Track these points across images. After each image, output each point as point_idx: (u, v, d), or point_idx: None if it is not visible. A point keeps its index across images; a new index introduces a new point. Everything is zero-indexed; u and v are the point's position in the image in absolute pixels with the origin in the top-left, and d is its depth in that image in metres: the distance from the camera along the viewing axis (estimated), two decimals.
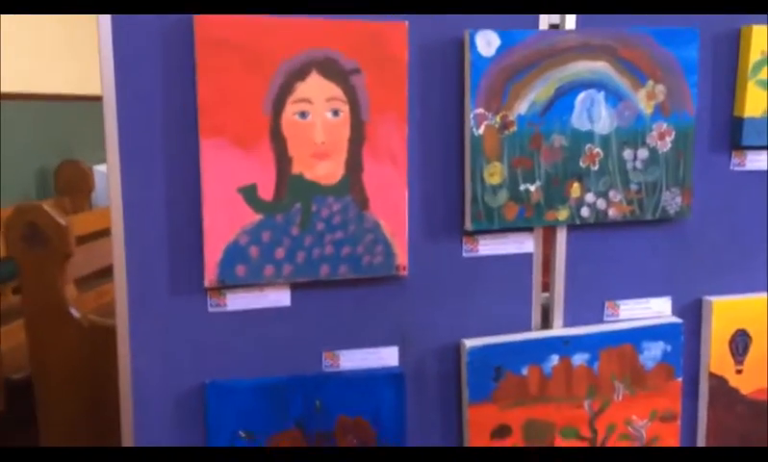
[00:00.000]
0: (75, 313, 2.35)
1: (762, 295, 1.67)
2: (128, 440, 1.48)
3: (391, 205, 1.49)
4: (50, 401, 2.33)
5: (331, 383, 1.53)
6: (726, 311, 1.64)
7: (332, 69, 1.42)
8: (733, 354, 1.65)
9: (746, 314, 1.65)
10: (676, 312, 1.66)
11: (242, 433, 1.50)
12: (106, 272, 2.96)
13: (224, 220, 1.43)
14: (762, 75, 1.59)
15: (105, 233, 2.60)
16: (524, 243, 1.58)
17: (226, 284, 1.45)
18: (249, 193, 1.43)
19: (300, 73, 1.41)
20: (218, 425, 1.48)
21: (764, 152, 1.64)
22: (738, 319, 1.65)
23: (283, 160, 1.43)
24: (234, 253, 1.44)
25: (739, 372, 1.66)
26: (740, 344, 1.65)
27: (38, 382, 2.38)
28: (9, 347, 2.69)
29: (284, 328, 1.51)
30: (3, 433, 2.55)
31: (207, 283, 1.44)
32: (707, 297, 1.65)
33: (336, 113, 1.44)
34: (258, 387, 1.50)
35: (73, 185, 3.84)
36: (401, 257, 1.51)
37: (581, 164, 1.53)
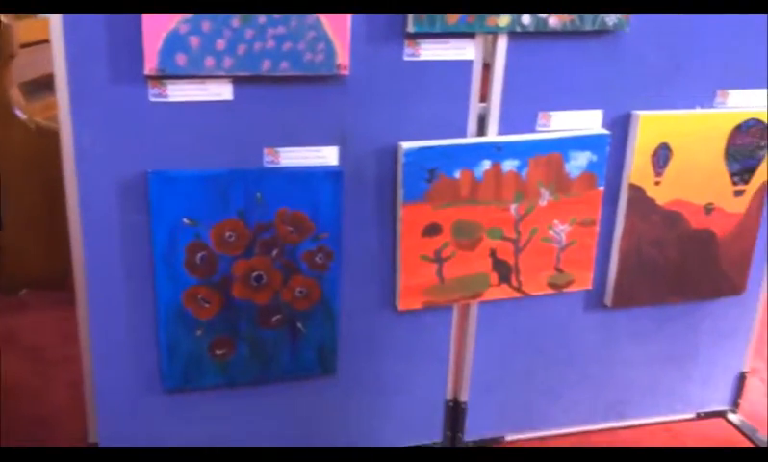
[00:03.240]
0: (21, 114, 2.34)
1: (687, 112, 1.75)
2: (75, 227, 1.55)
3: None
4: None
5: (272, 177, 1.59)
6: (651, 124, 1.72)
7: None
8: (654, 166, 1.75)
9: (670, 128, 1.73)
10: (606, 125, 1.73)
11: (185, 220, 1.57)
12: (52, 85, 2.91)
13: None
14: None
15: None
16: (465, 50, 1.60)
17: (167, 73, 1.46)
18: None
19: None
20: (162, 212, 1.55)
21: None
22: (662, 133, 1.73)
23: None
24: (174, 42, 1.43)
25: (657, 183, 1.77)
26: (661, 157, 1.75)
27: None
28: None
29: (226, 122, 1.55)
30: None
31: (147, 71, 1.45)
32: (636, 111, 1.72)
33: None
34: (200, 178, 1.56)
35: None
36: (343, 56, 1.52)
37: None
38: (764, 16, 1.72)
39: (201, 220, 1.58)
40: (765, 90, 1.80)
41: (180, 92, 1.50)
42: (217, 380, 1.70)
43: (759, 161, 1.82)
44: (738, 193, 1.84)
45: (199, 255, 1.60)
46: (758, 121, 1.78)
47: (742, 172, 1.82)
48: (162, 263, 1.59)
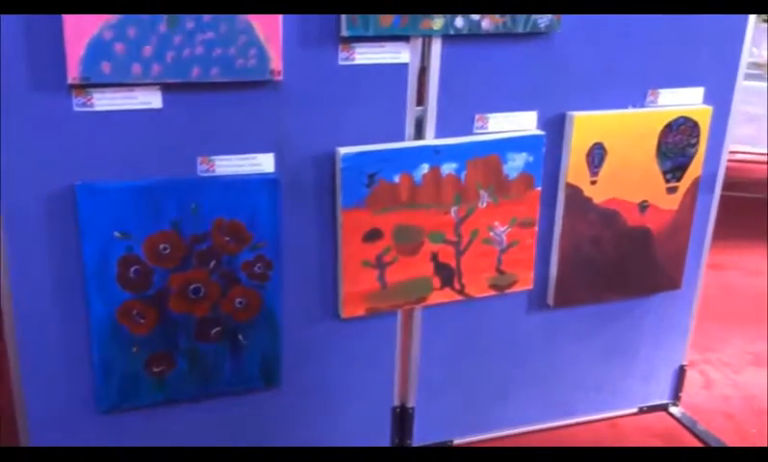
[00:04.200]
0: None
1: (620, 111, 1.78)
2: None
3: None
4: None
5: (206, 187, 1.55)
6: (585, 125, 1.74)
7: None
8: (589, 166, 1.78)
9: (604, 128, 1.76)
10: (540, 126, 1.75)
11: (117, 234, 1.51)
12: None
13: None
14: None
15: None
16: (400, 53, 1.60)
17: (91, 82, 1.41)
18: None
19: None
20: (91, 225, 1.49)
21: None
22: (596, 132, 1.76)
23: None
24: (98, 48, 1.38)
25: (593, 182, 1.80)
26: (596, 156, 1.77)
27: None
28: None
29: (156, 131, 1.50)
30: None
31: (70, 79, 1.39)
32: (570, 112, 1.74)
33: None
34: (130, 189, 1.50)
35: None
36: (276, 61, 1.50)
37: None
38: (693, 16, 1.76)
39: (133, 233, 1.52)
40: (694, 89, 1.85)
41: (106, 101, 1.45)
42: (155, 398, 1.65)
43: (690, 158, 1.87)
44: (671, 191, 1.88)
45: (132, 269, 1.55)
46: (688, 119, 1.83)
47: (674, 170, 1.86)
48: (93, 278, 1.53)
